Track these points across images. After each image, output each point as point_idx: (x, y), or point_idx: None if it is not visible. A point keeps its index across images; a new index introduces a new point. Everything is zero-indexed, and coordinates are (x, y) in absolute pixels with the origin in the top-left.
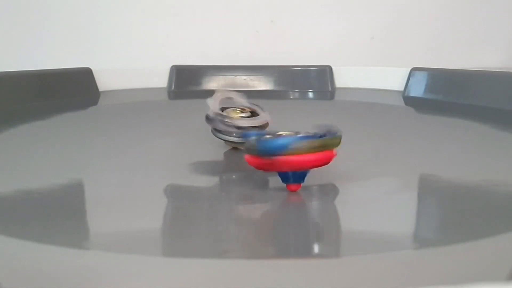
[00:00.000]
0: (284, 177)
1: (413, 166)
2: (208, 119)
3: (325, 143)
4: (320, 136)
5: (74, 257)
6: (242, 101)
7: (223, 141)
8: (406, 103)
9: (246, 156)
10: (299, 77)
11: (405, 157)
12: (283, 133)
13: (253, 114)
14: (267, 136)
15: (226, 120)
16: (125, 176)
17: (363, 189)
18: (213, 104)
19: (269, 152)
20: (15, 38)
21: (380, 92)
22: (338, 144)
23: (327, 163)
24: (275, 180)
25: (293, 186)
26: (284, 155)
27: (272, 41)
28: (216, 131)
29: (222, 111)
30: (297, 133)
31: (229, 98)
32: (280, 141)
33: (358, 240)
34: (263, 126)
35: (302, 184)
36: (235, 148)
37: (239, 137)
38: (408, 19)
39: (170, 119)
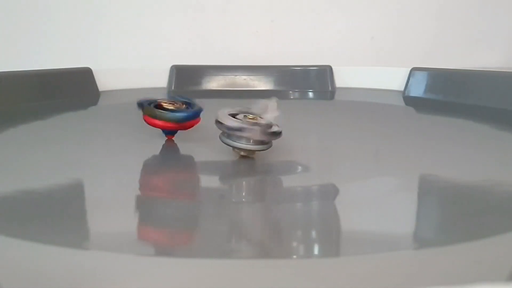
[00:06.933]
0: (163, 131)
1: (413, 166)
2: (231, 128)
3: (162, 115)
4: (172, 111)
5: (74, 257)
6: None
7: (230, 147)
8: (406, 103)
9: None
10: (299, 77)
11: (405, 157)
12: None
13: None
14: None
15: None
16: (125, 176)
17: (363, 189)
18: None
19: (139, 107)
20: (15, 38)
21: (380, 92)
22: (167, 119)
23: (160, 127)
24: (275, 182)
25: (168, 136)
26: (145, 114)
27: (272, 41)
28: (225, 137)
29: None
30: (175, 104)
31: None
32: (141, 103)
33: (358, 240)
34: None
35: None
36: (244, 156)
37: (250, 144)
38: (408, 19)
39: None
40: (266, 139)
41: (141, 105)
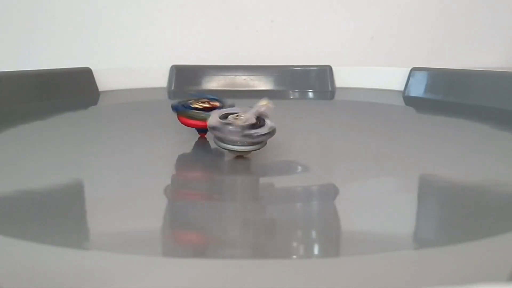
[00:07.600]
0: (196, 129)
1: (413, 166)
2: (211, 127)
3: (192, 115)
4: (202, 110)
5: (74, 257)
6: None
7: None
8: (406, 103)
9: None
10: (299, 77)
11: (405, 157)
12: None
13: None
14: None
15: (231, 128)
16: (125, 176)
17: (363, 189)
18: (215, 116)
19: (174, 110)
20: (15, 38)
21: (380, 92)
22: (198, 118)
23: (193, 127)
24: (273, 182)
25: (200, 134)
26: (179, 115)
27: (272, 41)
28: (218, 140)
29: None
30: (208, 106)
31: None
32: (174, 106)
33: (358, 240)
34: (271, 133)
35: (206, 135)
36: (239, 156)
37: (243, 145)
38: (408, 19)
39: (170, 119)
40: (243, 140)
41: (175, 108)
